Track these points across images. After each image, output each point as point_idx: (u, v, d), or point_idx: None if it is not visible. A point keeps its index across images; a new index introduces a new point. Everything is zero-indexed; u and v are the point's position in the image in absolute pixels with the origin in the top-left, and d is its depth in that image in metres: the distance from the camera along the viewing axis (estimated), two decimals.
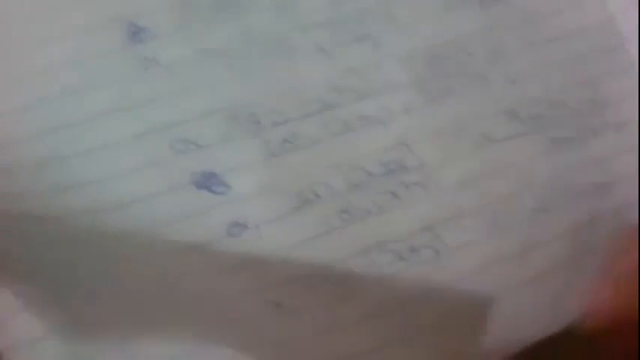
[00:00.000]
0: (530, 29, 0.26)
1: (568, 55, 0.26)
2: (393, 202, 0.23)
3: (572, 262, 0.24)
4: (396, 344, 0.22)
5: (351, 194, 0.23)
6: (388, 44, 0.24)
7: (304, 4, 0.24)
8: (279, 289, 0.22)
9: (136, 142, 0.22)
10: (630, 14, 0.26)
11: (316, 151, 0.23)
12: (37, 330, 0.20)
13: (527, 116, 0.25)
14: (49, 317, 0.20)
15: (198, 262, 0.21)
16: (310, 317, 0.22)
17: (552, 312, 0.23)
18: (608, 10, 0.26)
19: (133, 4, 0.23)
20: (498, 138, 0.24)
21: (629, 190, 0.25)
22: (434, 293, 0.23)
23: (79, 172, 0.21)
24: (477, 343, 0.23)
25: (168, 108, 0.22)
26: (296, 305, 0.22)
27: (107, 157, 0.22)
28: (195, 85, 0.23)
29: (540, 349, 0.23)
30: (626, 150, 0.25)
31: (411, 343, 0.22)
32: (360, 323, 0.22)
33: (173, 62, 0.23)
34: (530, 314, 0.23)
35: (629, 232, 0.24)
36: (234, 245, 0.22)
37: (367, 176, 0.23)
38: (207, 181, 0.22)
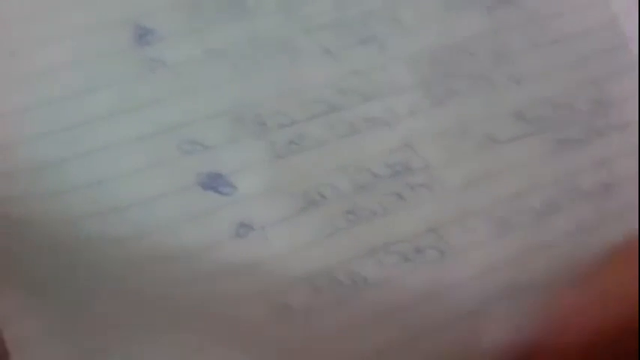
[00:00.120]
0: (534, 31, 0.26)
1: (572, 56, 0.26)
2: (398, 203, 0.23)
3: (575, 263, 0.24)
4: (401, 345, 0.22)
5: (356, 195, 0.23)
6: (393, 46, 0.24)
7: (310, 7, 0.24)
8: (285, 290, 0.22)
9: (142, 143, 0.22)
10: (633, 14, 0.26)
11: (322, 152, 0.23)
12: (37, 331, 0.20)
13: (532, 117, 0.25)
14: (50, 318, 0.20)
15: (204, 263, 0.22)
16: (316, 318, 0.22)
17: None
18: (611, 11, 0.26)
19: (141, 6, 0.23)
20: (503, 139, 0.24)
21: (633, 191, 0.25)
22: (439, 294, 0.23)
23: (81, 175, 0.21)
24: (480, 344, 0.23)
25: (175, 109, 0.22)
26: (302, 306, 0.22)
27: (111, 159, 0.22)
28: (202, 87, 0.23)
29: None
30: (629, 151, 0.25)
31: (415, 344, 0.22)
32: (365, 324, 0.22)
33: (180, 64, 0.23)
34: (534, 315, 0.23)
35: (630, 241, 0.24)
36: (241, 246, 0.22)
37: (373, 177, 0.23)
38: (214, 182, 0.22)
